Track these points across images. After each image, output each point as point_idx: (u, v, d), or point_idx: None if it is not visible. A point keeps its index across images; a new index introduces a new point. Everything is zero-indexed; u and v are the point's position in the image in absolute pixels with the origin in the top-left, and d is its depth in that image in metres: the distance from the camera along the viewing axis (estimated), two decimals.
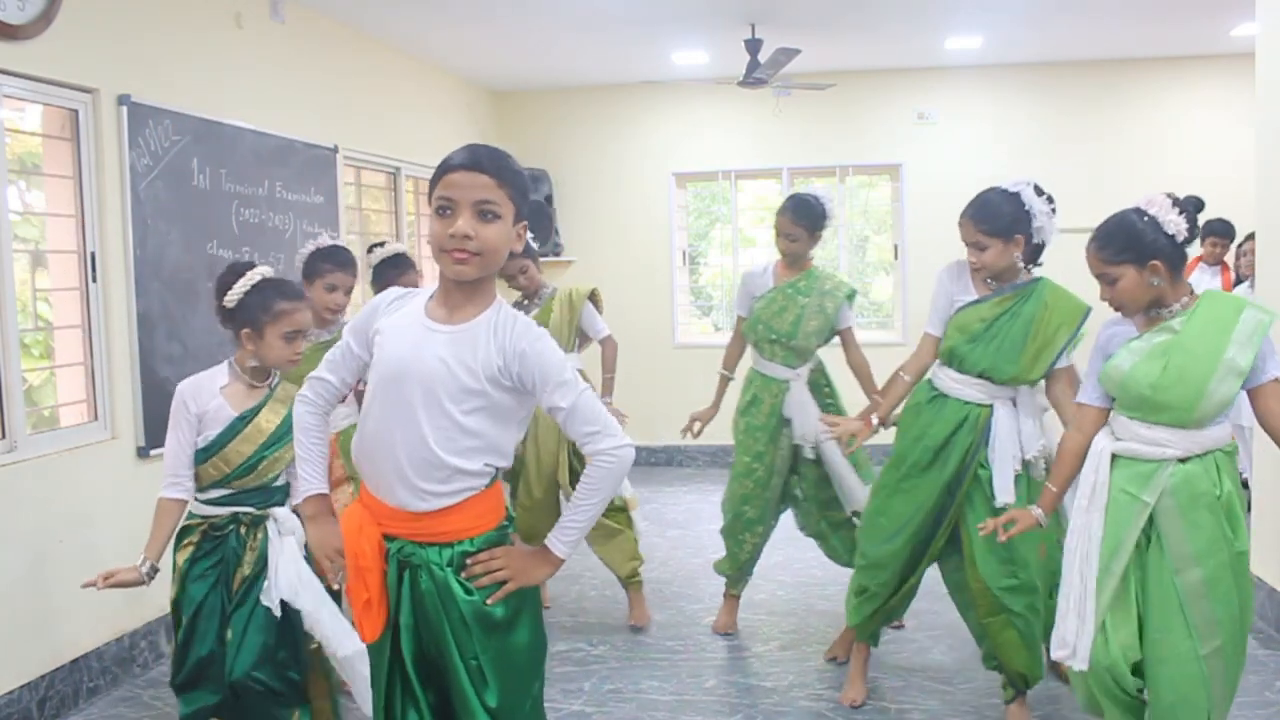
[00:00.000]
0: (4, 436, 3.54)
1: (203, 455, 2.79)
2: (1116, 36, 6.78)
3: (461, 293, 2.03)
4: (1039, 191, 3.17)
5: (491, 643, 2.05)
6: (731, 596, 4.38)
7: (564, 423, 2.05)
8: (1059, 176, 7.40)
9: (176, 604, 2.84)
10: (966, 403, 3.23)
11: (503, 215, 1.99)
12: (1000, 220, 3.12)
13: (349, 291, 3.64)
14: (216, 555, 2.82)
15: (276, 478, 2.86)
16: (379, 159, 6.20)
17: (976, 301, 3.23)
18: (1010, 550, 3.18)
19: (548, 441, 4.26)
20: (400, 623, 2.07)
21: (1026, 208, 3.13)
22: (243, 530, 2.83)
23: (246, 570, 2.80)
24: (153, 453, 4.09)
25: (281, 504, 2.86)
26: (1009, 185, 3.17)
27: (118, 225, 4.00)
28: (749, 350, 4.23)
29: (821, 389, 4.14)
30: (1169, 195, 2.60)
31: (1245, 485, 6.05)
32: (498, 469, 2.09)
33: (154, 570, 2.77)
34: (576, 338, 4.38)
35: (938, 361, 3.34)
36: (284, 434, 2.78)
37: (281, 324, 2.81)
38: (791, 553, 5.44)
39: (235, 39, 4.77)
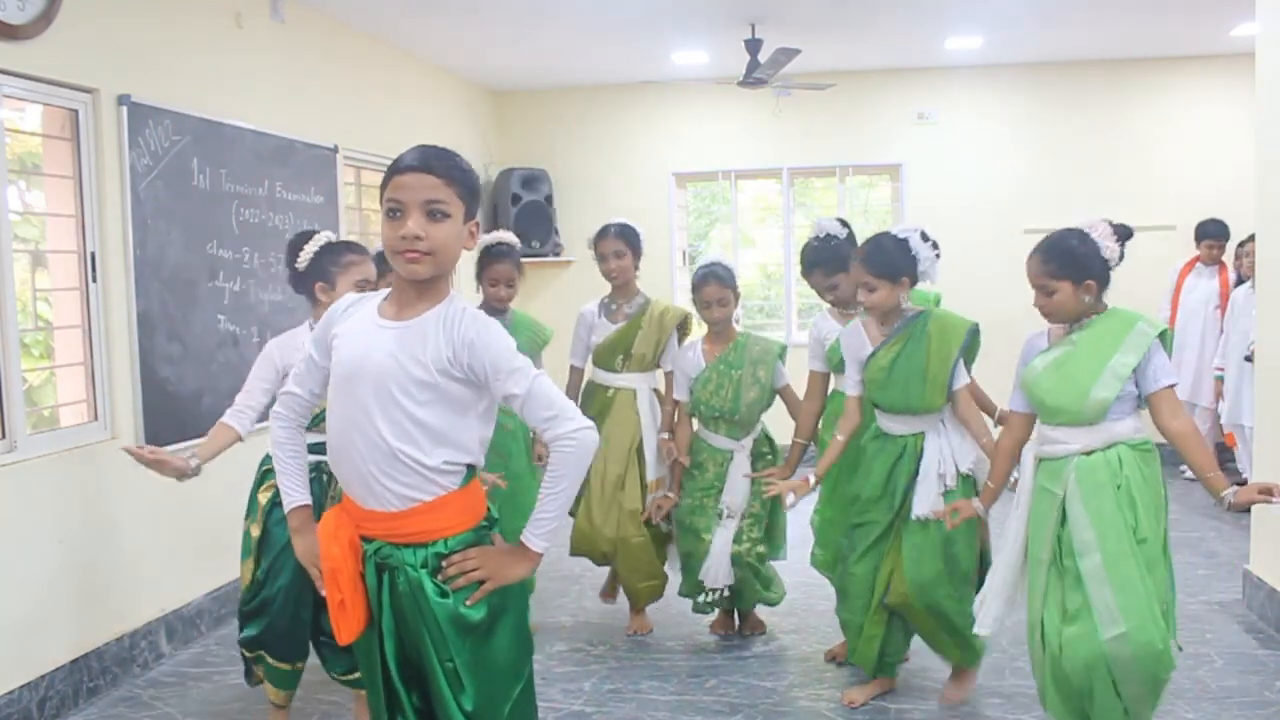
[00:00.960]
0: (4, 436, 3.54)
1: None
2: (1116, 36, 6.78)
3: (414, 290, 2.07)
4: (925, 238, 3.45)
5: (467, 645, 2.05)
6: (724, 610, 4.34)
7: (521, 410, 2.05)
8: (1059, 176, 7.51)
9: (260, 541, 3.13)
10: (903, 435, 3.48)
11: (452, 214, 2.01)
12: (889, 264, 3.39)
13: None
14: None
15: None
16: (379, 159, 6.19)
17: (873, 354, 3.48)
18: (948, 551, 3.40)
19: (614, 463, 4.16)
20: (382, 626, 2.07)
21: (913, 253, 3.40)
22: (324, 479, 3.09)
23: None
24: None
25: None
26: (899, 231, 3.45)
27: (118, 225, 4.00)
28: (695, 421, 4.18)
29: (764, 456, 4.12)
30: (1107, 221, 2.90)
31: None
32: (469, 469, 2.10)
33: (198, 469, 3.01)
34: (658, 359, 4.27)
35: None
36: None
37: (351, 273, 3.16)
38: (791, 553, 5.42)
39: (235, 39, 4.77)
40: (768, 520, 4.11)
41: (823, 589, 4.84)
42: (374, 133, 6.08)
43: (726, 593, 4.11)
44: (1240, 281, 6.41)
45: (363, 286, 3.13)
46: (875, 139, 7.74)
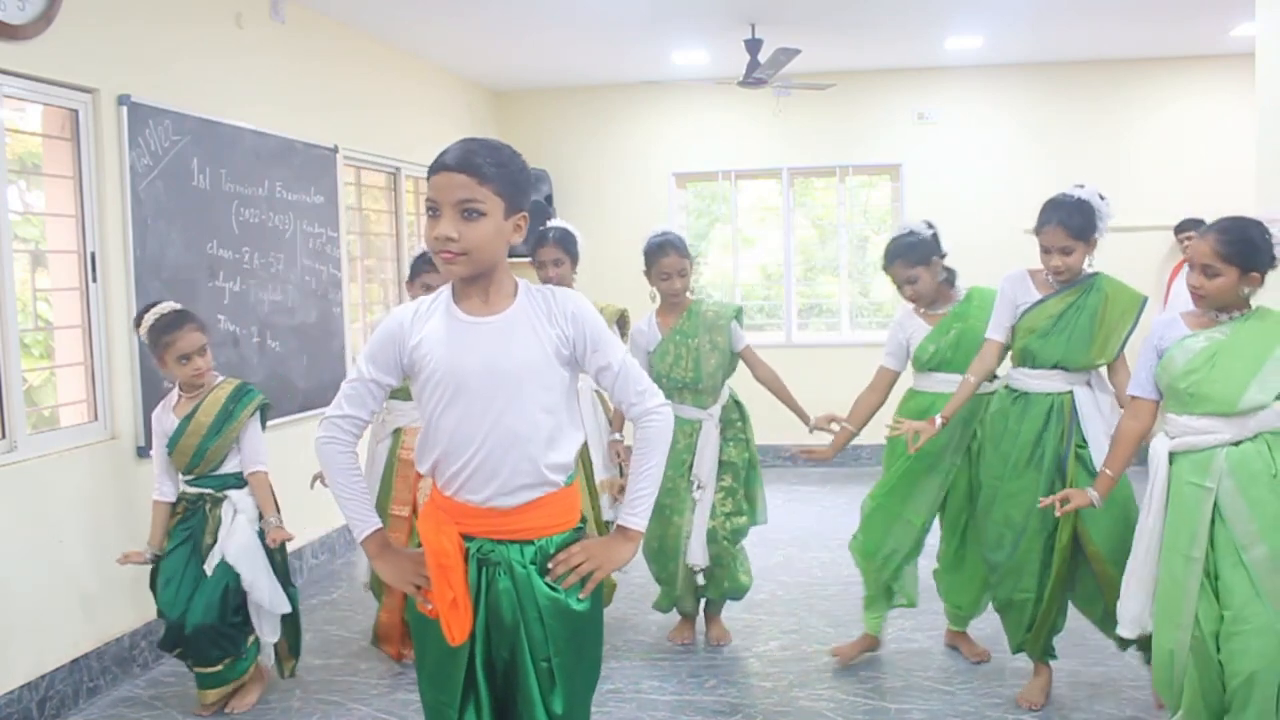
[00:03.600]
0: (4, 436, 3.54)
1: (169, 450, 3.58)
2: (1116, 36, 6.78)
3: (481, 284, 2.05)
4: (1101, 197, 3.40)
5: (571, 645, 2.07)
6: (686, 616, 4.30)
7: (613, 384, 2.09)
8: (1059, 176, 7.40)
9: (159, 557, 3.61)
10: (1048, 394, 3.42)
11: (488, 212, 1.97)
12: (1086, 225, 3.35)
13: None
14: (189, 524, 3.60)
15: (221, 464, 3.58)
16: (379, 159, 6.19)
17: (1041, 301, 3.44)
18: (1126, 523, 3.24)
19: None
20: (474, 625, 2.06)
21: (1097, 210, 3.38)
22: (208, 507, 3.59)
23: (209, 540, 3.57)
24: (152, 452, 4.08)
25: (236, 487, 3.59)
26: (1075, 193, 3.39)
27: (118, 225, 4.00)
28: None
29: (734, 423, 4.07)
30: None
31: None
32: (574, 461, 2.12)
33: (154, 556, 3.59)
34: None
35: (1010, 364, 3.54)
36: (219, 429, 3.53)
37: (170, 352, 3.50)
38: (791, 552, 5.44)
39: (235, 39, 4.77)
40: (744, 490, 4.06)
41: (822, 588, 4.86)
42: (374, 133, 6.09)
43: (701, 579, 4.05)
44: None
45: (186, 361, 3.49)
46: (875, 139, 7.74)
